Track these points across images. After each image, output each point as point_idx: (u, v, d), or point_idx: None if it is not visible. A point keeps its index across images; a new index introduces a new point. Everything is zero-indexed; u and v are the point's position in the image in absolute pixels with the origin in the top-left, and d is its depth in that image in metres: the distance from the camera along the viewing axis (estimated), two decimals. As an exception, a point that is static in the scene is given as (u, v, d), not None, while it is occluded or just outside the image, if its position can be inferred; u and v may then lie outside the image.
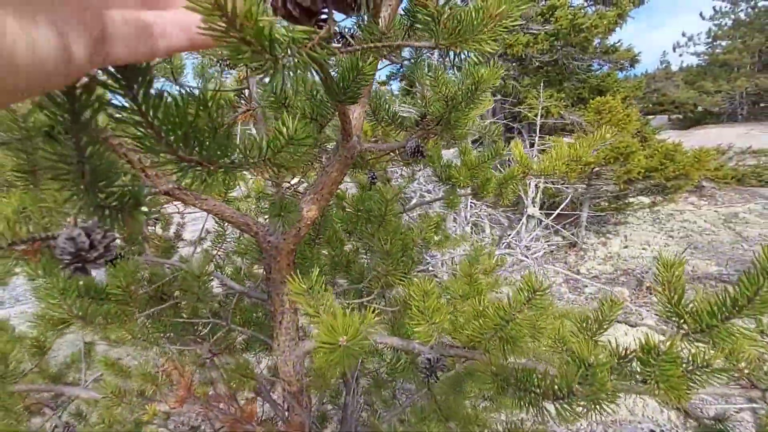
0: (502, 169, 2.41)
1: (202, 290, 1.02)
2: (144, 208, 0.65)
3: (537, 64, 8.67)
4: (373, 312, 0.80)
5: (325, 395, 2.45)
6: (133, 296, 1.03)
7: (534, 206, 6.93)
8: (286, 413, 1.50)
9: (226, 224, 1.70)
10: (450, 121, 1.57)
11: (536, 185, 6.71)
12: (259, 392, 1.56)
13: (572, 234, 7.69)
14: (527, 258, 5.54)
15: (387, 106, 1.56)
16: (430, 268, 4.96)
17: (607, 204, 7.90)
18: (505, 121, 8.95)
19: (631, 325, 5.06)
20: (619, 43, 9.73)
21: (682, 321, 0.92)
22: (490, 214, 6.73)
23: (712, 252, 6.56)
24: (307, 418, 1.42)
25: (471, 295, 1.49)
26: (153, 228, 2.25)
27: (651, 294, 5.76)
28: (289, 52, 0.54)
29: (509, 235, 5.98)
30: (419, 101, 1.58)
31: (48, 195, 0.72)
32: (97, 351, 2.12)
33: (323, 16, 0.54)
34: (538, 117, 7.55)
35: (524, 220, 6.72)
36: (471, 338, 0.99)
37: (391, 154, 1.92)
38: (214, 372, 1.43)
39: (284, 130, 0.77)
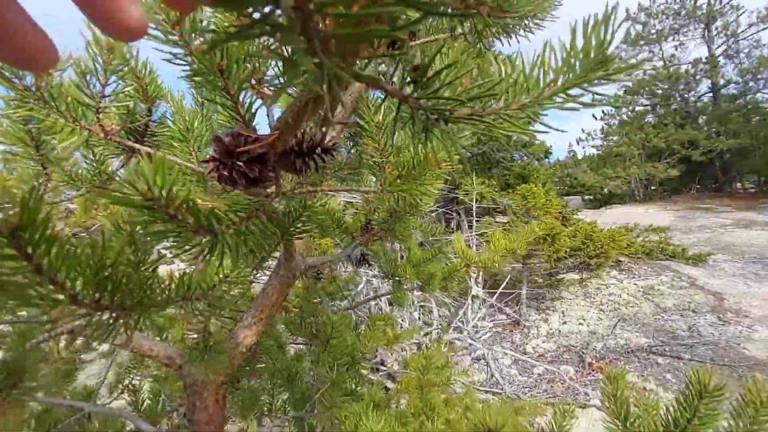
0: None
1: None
2: None
3: (468, 154, 9.65)
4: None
5: None
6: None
7: (478, 286, 7.12)
8: None
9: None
10: (394, 228, 1.60)
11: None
12: None
13: (515, 312, 7.89)
14: (475, 342, 5.51)
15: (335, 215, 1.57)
16: (382, 367, 4.69)
17: (542, 281, 8.37)
18: (445, 208, 9.55)
19: (581, 407, 5.04)
20: (535, 139, 11.29)
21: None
22: (437, 297, 6.76)
23: (639, 324, 7.04)
24: None
25: (423, 412, 1.39)
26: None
27: (594, 371, 5.90)
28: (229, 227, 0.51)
29: (457, 318, 5.99)
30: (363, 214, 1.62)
31: None
32: None
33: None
34: (474, 201, 8.15)
35: (469, 300, 6.84)
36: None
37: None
38: None
39: (217, 267, 0.72)
